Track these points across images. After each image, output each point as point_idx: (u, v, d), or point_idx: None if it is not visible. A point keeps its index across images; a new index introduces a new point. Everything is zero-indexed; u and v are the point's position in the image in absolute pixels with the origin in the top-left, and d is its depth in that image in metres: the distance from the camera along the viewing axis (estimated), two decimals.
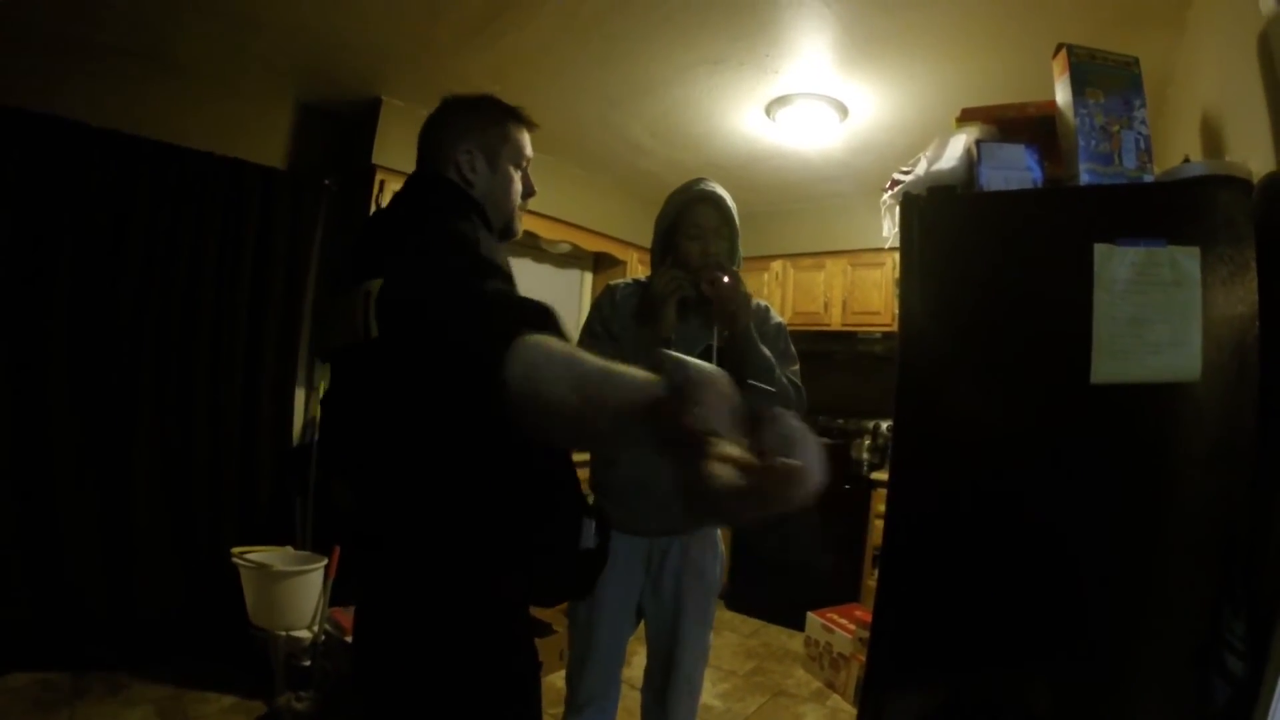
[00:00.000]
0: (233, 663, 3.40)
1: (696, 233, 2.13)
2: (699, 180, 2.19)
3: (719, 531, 2.33)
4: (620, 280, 2.30)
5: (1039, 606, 1.69)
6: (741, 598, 5.19)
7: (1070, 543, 1.66)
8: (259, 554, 3.26)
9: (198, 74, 3.74)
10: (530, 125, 1.62)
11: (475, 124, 1.53)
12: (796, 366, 2.26)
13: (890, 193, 1.98)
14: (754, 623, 5.00)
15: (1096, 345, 1.59)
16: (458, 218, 1.32)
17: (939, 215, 1.81)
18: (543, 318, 0.97)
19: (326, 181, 4.11)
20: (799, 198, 5.43)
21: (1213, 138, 2.21)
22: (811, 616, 4.19)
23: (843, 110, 3.75)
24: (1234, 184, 1.57)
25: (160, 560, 3.53)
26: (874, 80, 3.44)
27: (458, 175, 1.47)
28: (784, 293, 5.66)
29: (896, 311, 1.87)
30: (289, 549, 3.45)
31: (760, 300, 2.29)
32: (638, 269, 5.67)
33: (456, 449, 1.17)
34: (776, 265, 5.71)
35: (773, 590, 4.98)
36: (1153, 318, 1.57)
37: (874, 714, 1.83)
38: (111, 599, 3.39)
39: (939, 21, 2.87)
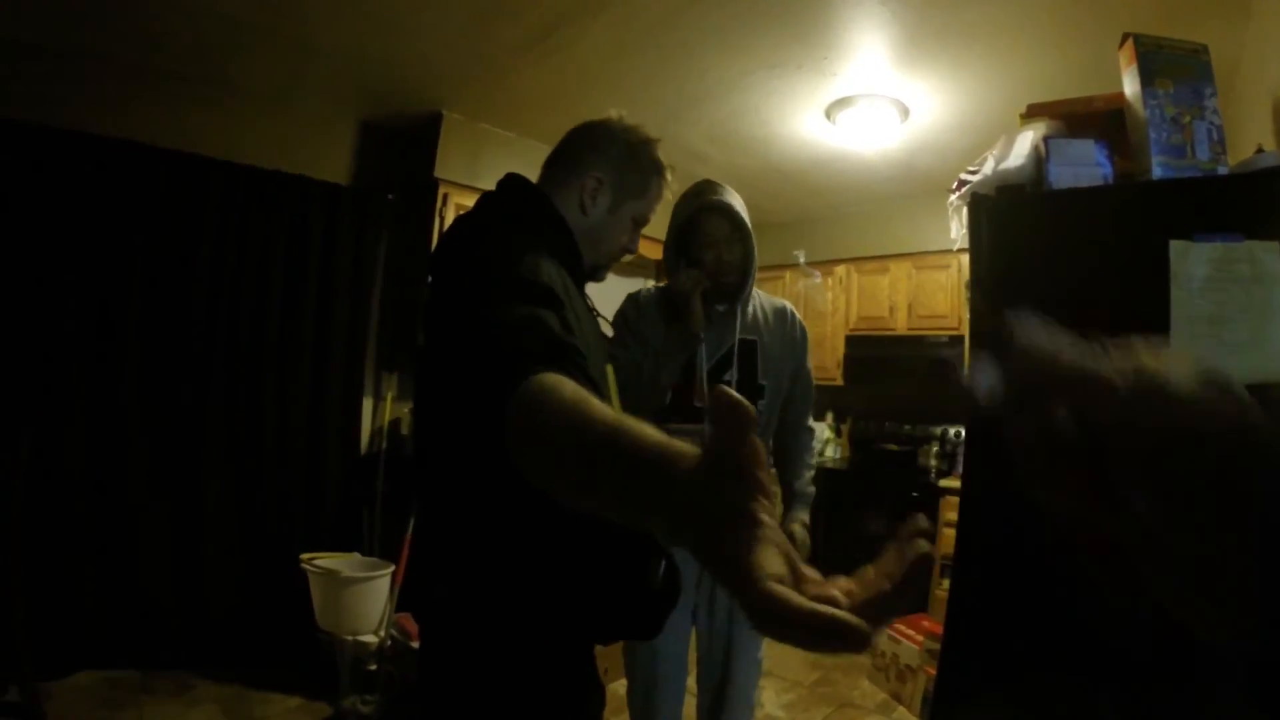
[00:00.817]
0: (298, 666, 3.45)
1: (710, 242, 2.07)
2: (708, 187, 2.12)
3: None
4: (640, 288, 2.29)
5: (1113, 627, 1.61)
6: None
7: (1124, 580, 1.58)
8: (327, 560, 3.32)
9: (260, 96, 3.82)
10: (664, 189, 1.52)
11: (622, 159, 1.43)
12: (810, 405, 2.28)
13: (957, 194, 1.92)
14: None
15: (1174, 346, 1.51)
16: (527, 232, 1.24)
17: (1008, 215, 1.76)
18: (562, 353, 0.87)
19: (390, 196, 4.15)
20: (862, 200, 5.34)
21: None
22: None
23: (904, 110, 3.68)
24: None
25: (229, 565, 3.61)
26: (934, 79, 3.36)
27: (578, 197, 1.38)
28: (848, 297, 5.57)
29: (965, 315, 1.81)
30: (356, 555, 3.50)
31: (781, 301, 2.29)
32: None
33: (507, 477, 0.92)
34: (840, 270, 5.63)
35: None
36: (1232, 316, 1.50)
37: None
38: (180, 602, 3.48)
39: (998, 17, 2.79)
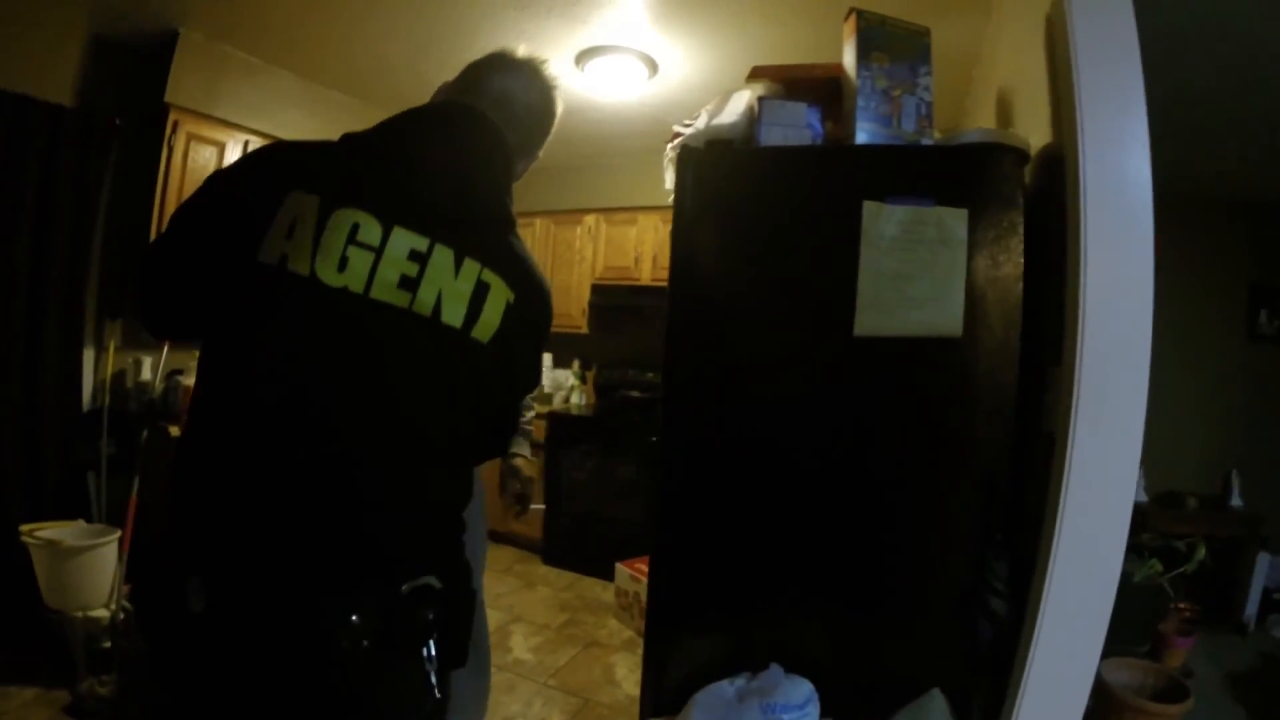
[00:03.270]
0: (31, 652, 3.03)
1: None
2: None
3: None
4: None
5: (813, 552, 1.69)
6: (557, 553, 5.14)
7: (839, 489, 1.66)
8: (49, 530, 3.01)
9: None
10: None
11: (548, 131, 1.38)
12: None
13: (671, 145, 1.89)
14: (569, 576, 4.96)
15: (860, 298, 1.60)
16: None
17: (714, 169, 1.77)
18: None
19: (118, 121, 3.63)
20: (613, 152, 5.35)
21: (1005, 113, 2.28)
22: (620, 567, 4.18)
23: (653, 65, 3.68)
24: (1008, 152, 1.59)
25: None
26: (684, 37, 3.37)
27: (516, 173, 1.31)
28: (595, 246, 5.57)
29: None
30: (81, 523, 3.19)
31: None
32: None
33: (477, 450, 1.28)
34: (589, 219, 5.63)
35: (587, 544, 4.94)
36: (917, 274, 1.58)
37: (657, 667, 1.78)
38: None
39: None
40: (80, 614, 2.92)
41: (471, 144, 1.18)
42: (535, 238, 5.83)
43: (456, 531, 1.20)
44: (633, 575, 4.01)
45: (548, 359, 5.84)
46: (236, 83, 3.81)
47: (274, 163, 1.13)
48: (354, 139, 1.14)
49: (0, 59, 3.31)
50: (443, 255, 1.09)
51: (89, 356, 3.67)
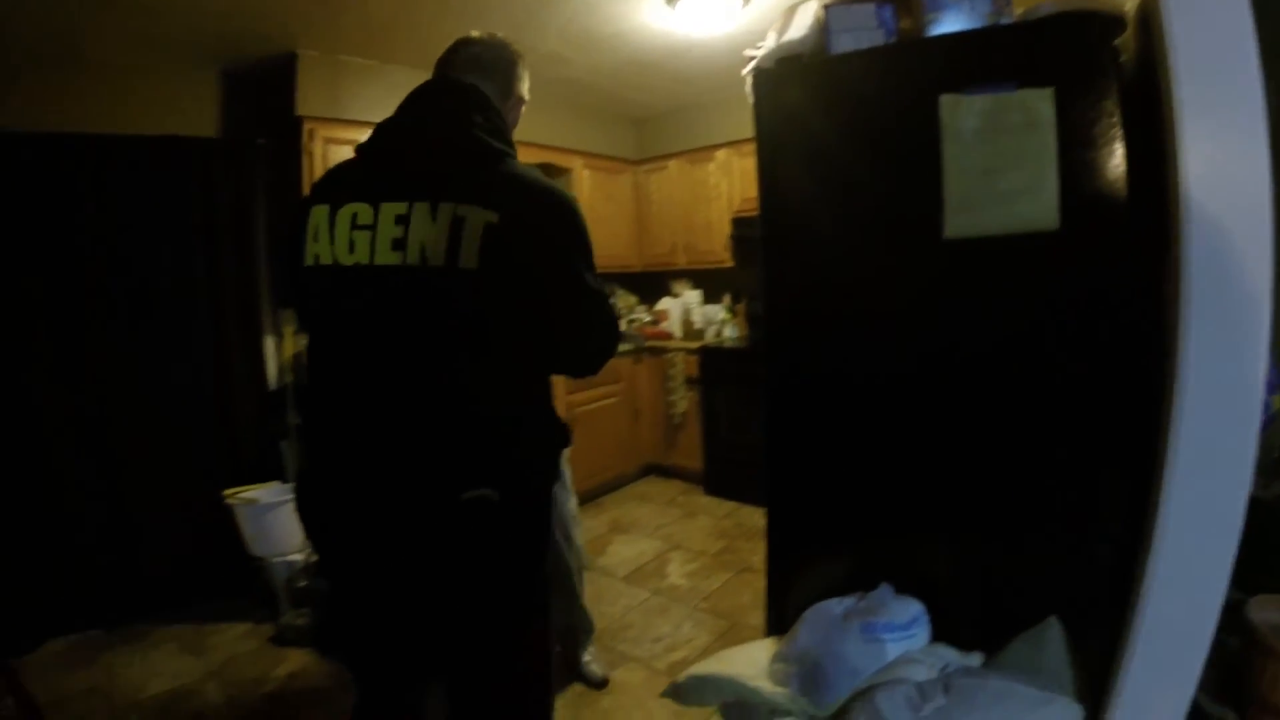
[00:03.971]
0: (242, 595, 3.59)
1: None
2: None
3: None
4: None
5: (924, 474, 1.63)
6: (717, 483, 5.17)
7: (947, 407, 1.58)
8: (249, 491, 3.41)
9: (117, 66, 3.65)
10: None
11: (523, 78, 1.68)
12: None
13: (744, 71, 1.85)
14: (729, 505, 4.99)
15: (947, 199, 1.50)
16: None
17: (787, 87, 1.72)
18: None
19: (261, 142, 3.97)
20: (731, 84, 5.08)
21: None
22: None
23: None
24: (1093, 19, 1.43)
25: (163, 516, 3.62)
26: None
27: (507, 112, 1.59)
28: (730, 180, 5.47)
29: None
30: (276, 484, 3.56)
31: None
32: (582, 174, 5.52)
33: (528, 368, 1.45)
34: (720, 154, 5.52)
35: (746, 472, 4.93)
36: (1005, 166, 1.48)
37: (779, 589, 1.80)
38: (124, 559, 3.51)
39: None
40: (279, 559, 3.37)
41: (440, 108, 1.46)
42: (670, 179, 5.81)
43: (511, 446, 1.41)
44: None
45: (696, 296, 5.86)
46: (356, 85, 4.03)
47: (305, 198, 1.49)
48: (365, 145, 1.48)
49: (145, 106, 3.74)
50: (420, 210, 1.31)
51: (270, 343, 4.05)
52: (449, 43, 1.59)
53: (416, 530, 1.36)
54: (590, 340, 1.49)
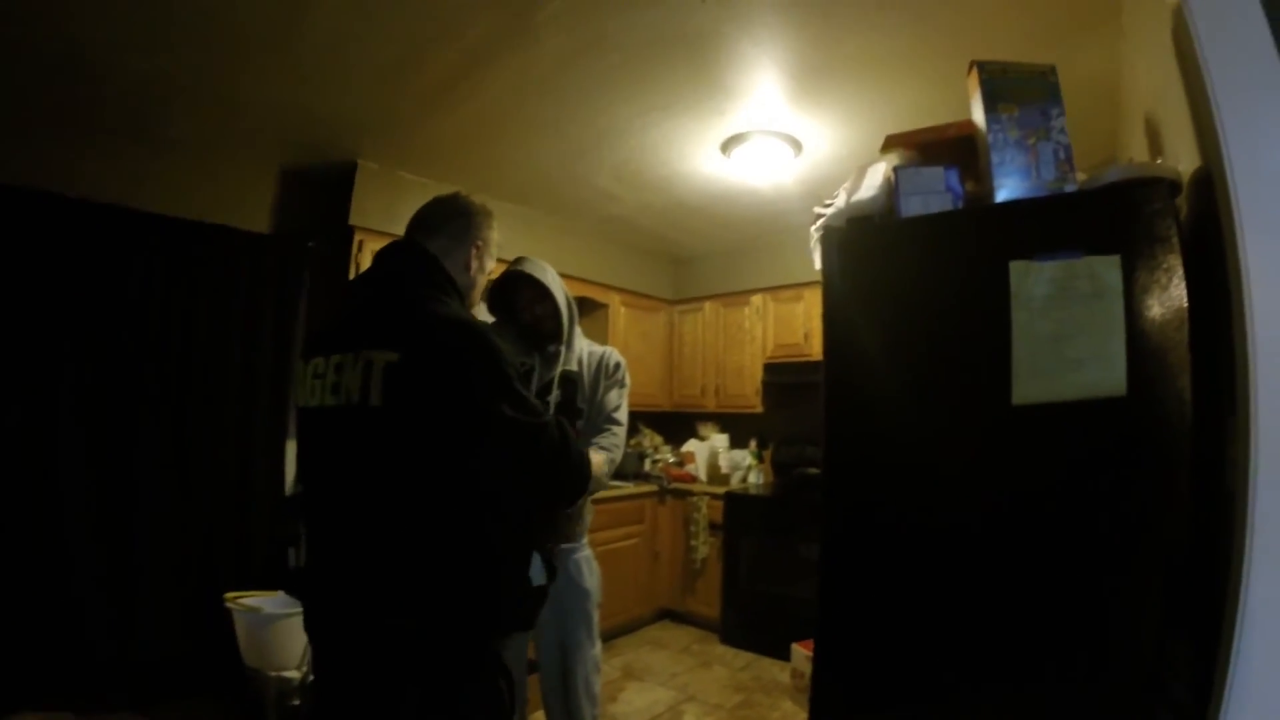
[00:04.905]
0: (229, 701, 3.42)
1: (524, 303, 2.45)
2: (519, 261, 2.44)
3: (587, 547, 2.54)
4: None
5: (980, 633, 1.55)
6: (735, 632, 5.00)
7: (1009, 568, 1.51)
8: (251, 598, 3.31)
9: (188, 150, 3.76)
10: None
11: (489, 227, 1.81)
12: (618, 413, 2.52)
13: (814, 227, 1.87)
14: (746, 656, 4.79)
15: (1016, 366, 1.47)
16: (457, 304, 1.62)
17: (857, 247, 1.72)
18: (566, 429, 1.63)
19: (311, 244, 4.05)
20: (772, 231, 5.30)
21: (1154, 139, 2.05)
22: (796, 648, 3.96)
23: (796, 144, 3.65)
24: (1154, 185, 1.43)
25: (163, 608, 3.52)
26: (821, 114, 3.34)
27: (464, 261, 1.73)
28: (765, 326, 5.52)
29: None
30: (280, 594, 3.42)
31: (604, 348, 2.62)
32: (620, 311, 5.59)
33: (450, 507, 1.45)
34: (756, 299, 5.60)
35: (766, 624, 4.78)
36: (1073, 333, 1.44)
37: None
38: (118, 643, 3.39)
39: (878, 49, 2.77)
40: (274, 674, 3.19)
41: (382, 268, 1.66)
42: (704, 321, 5.87)
43: (445, 576, 1.46)
44: (809, 657, 3.82)
45: (723, 440, 5.80)
46: (412, 202, 3.96)
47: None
48: (339, 304, 1.70)
49: (203, 194, 3.81)
50: (349, 359, 1.48)
51: (291, 448, 4.00)
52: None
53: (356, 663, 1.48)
54: (526, 473, 1.53)
